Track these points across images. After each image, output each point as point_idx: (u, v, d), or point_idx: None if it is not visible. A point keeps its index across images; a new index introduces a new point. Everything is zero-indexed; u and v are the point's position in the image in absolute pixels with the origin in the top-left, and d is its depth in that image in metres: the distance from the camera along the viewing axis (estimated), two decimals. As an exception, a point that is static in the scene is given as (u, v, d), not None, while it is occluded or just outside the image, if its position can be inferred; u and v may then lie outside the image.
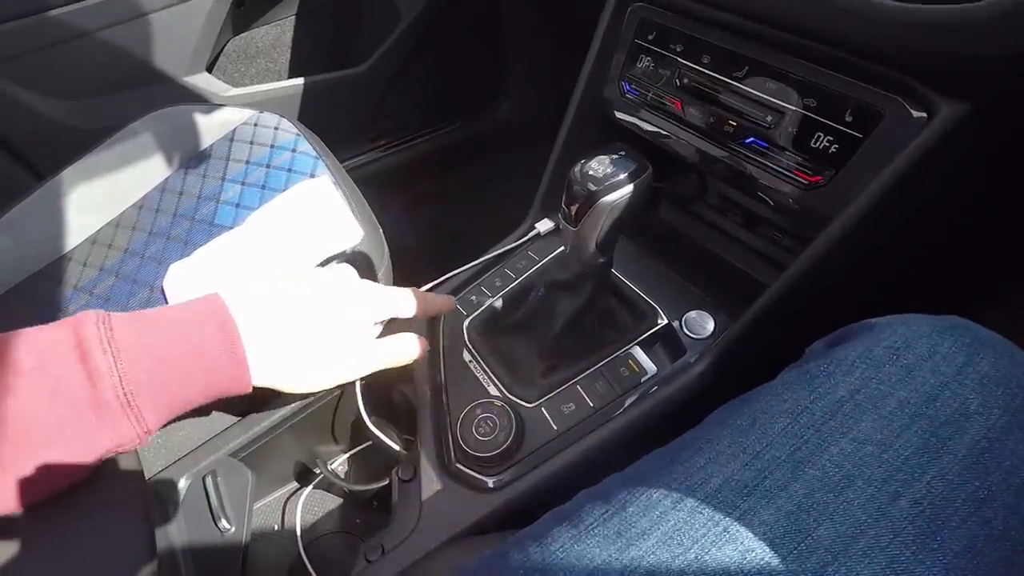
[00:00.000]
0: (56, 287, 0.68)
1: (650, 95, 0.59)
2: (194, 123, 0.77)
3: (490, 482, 0.50)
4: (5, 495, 0.33)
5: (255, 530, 0.58)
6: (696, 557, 0.27)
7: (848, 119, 0.45)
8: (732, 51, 0.52)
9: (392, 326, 0.49)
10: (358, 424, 0.56)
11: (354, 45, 1.09)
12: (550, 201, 0.69)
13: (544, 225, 0.67)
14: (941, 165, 0.43)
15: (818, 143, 0.47)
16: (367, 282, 0.47)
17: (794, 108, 0.48)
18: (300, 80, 1.02)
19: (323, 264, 0.62)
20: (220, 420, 0.55)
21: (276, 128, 0.75)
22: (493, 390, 0.55)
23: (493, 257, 0.67)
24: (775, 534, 0.27)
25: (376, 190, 0.79)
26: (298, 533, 0.54)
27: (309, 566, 0.51)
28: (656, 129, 0.60)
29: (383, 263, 0.67)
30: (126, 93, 0.92)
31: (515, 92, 1.24)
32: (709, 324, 0.55)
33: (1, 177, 0.90)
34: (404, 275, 0.71)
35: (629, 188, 0.46)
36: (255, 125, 0.76)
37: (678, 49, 0.56)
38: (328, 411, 0.63)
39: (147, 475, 0.51)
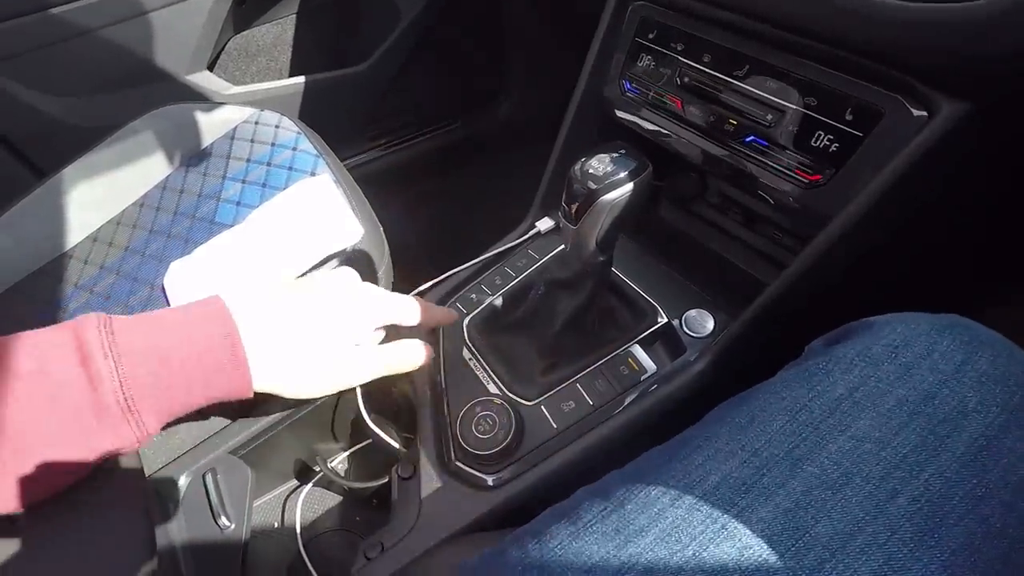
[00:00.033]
0: (57, 285, 0.68)
1: (651, 94, 0.59)
2: (195, 121, 0.77)
3: (489, 480, 0.50)
4: (5, 495, 0.33)
5: (255, 527, 0.58)
6: (694, 554, 0.27)
7: (848, 118, 0.45)
8: (733, 50, 0.52)
9: (394, 332, 0.49)
10: (358, 422, 0.56)
11: (355, 44, 1.09)
12: (550, 200, 0.69)
13: (544, 224, 0.67)
14: (941, 164, 0.43)
15: (818, 142, 0.47)
16: (369, 286, 0.47)
17: (794, 107, 0.48)
18: (301, 79, 1.02)
19: (323, 262, 0.62)
20: (220, 418, 0.55)
21: (277, 126, 0.76)
22: (493, 388, 0.55)
23: (493, 255, 0.67)
24: (773, 531, 0.27)
25: (377, 189, 0.79)
26: (298, 531, 0.54)
27: (309, 563, 0.51)
28: (657, 128, 0.60)
29: (383, 261, 0.67)
30: (127, 91, 0.92)
31: (515, 91, 1.24)
32: (709, 323, 0.55)
33: (2, 175, 0.90)
34: (404, 273, 0.71)
35: (629, 186, 0.46)
36: (256, 123, 0.76)
37: (679, 48, 0.56)
38: (328, 409, 0.64)
39: (147, 472, 0.51)
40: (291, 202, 0.67)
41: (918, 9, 0.38)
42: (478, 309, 0.62)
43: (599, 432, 0.50)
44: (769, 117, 0.50)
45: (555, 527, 0.32)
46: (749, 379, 0.37)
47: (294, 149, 0.73)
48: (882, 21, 0.41)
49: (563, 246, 0.64)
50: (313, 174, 0.70)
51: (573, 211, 0.47)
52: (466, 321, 0.61)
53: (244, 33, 1.02)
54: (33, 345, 0.33)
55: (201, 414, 0.39)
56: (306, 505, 0.58)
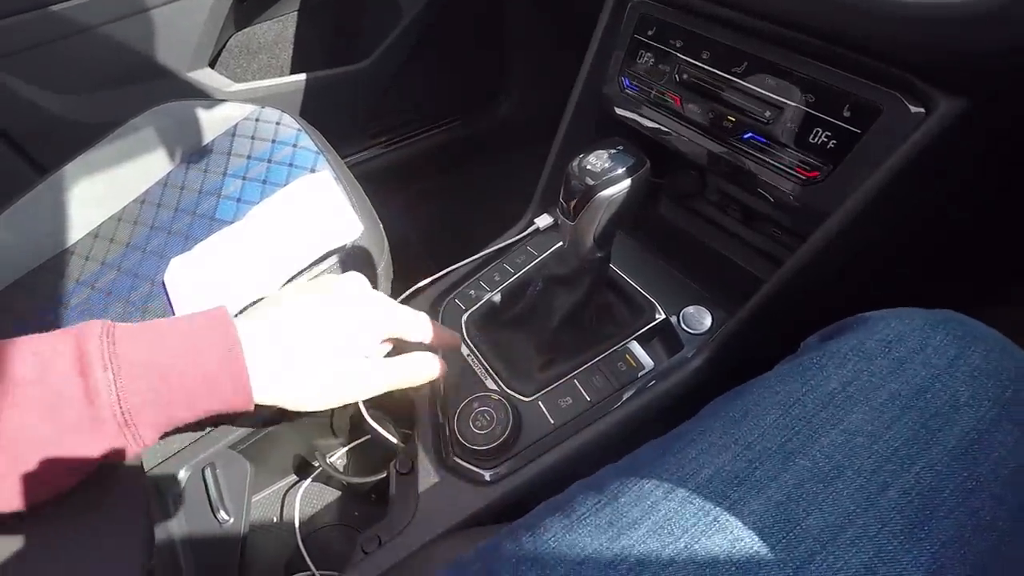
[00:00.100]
0: (58, 281, 0.68)
1: (650, 91, 0.59)
2: (196, 118, 0.78)
3: (487, 475, 0.50)
4: (4, 497, 0.33)
5: (254, 522, 0.59)
6: (686, 546, 0.27)
7: (846, 114, 0.45)
8: (731, 47, 0.52)
9: (399, 346, 0.47)
10: (356, 418, 0.56)
11: (356, 42, 1.09)
12: (549, 197, 0.70)
13: (543, 220, 0.67)
14: (938, 161, 0.43)
15: (816, 138, 0.47)
16: (379, 295, 0.45)
17: (793, 104, 0.48)
18: (302, 76, 1.02)
19: (323, 258, 0.63)
20: (220, 416, 0.55)
21: (277, 123, 0.76)
22: (491, 384, 0.55)
23: (492, 252, 0.67)
24: (764, 523, 0.27)
25: (377, 186, 0.80)
26: (296, 525, 0.54)
27: (307, 558, 0.51)
28: (656, 125, 0.60)
29: (383, 258, 0.67)
30: (128, 88, 0.93)
31: (516, 90, 1.24)
32: (707, 319, 0.55)
33: (4, 172, 0.90)
34: (404, 270, 0.71)
35: (627, 183, 0.46)
36: (256, 120, 0.77)
37: (678, 45, 0.56)
38: (327, 405, 0.64)
39: (147, 466, 0.51)
40: (291, 199, 0.68)
41: (916, 5, 0.38)
42: (476, 305, 0.62)
43: (596, 428, 0.50)
44: (767, 114, 0.50)
45: (549, 520, 0.32)
46: (746, 375, 0.37)
47: (294, 146, 0.73)
48: (881, 17, 0.41)
49: (561, 243, 0.64)
50: (313, 171, 0.70)
51: (571, 207, 0.47)
52: (464, 317, 0.61)
53: (245, 30, 1.02)
54: (34, 352, 0.33)
55: (201, 424, 0.38)
56: (305, 500, 0.58)
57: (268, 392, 0.38)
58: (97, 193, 0.74)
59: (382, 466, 0.55)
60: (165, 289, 0.63)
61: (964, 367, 0.30)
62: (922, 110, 0.42)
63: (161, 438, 0.37)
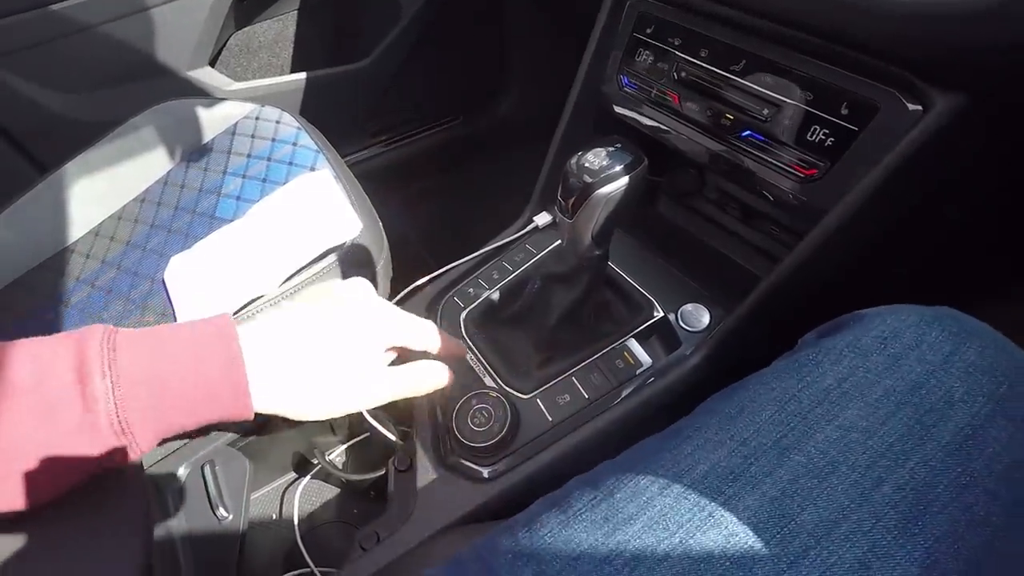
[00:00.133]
0: (58, 279, 0.68)
1: (648, 89, 0.59)
2: (196, 117, 0.78)
3: (485, 472, 0.50)
4: (3, 501, 0.33)
5: (253, 519, 0.59)
6: (681, 541, 0.28)
7: (844, 112, 0.45)
8: (730, 45, 0.52)
9: (404, 354, 0.46)
10: (355, 416, 0.56)
11: (356, 40, 1.10)
12: (548, 195, 0.70)
13: (542, 218, 0.67)
14: (935, 158, 0.43)
15: (814, 136, 0.47)
16: (384, 303, 0.44)
17: (791, 101, 0.48)
18: (302, 75, 1.03)
19: (322, 256, 0.63)
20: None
21: (277, 122, 0.76)
22: (489, 381, 0.56)
23: (491, 250, 0.67)
24: (759, 519, 0.27)
25: (377, 185, 0.80)
26: (295, 522, 0.54)
27: (306, 554, 0.51)
28: (655, 124, 0.60)
29: (382, 256, 0.67)
30: (129, 87, 0.93)
31: (517, 89, 1.24)
32: (705, 317, 0.55)
33: (5, 170, 0.90)
34: (403, 268, 0.71)
35: (624, 180, 0.46)
36: (256, 119, 0.77)
37: (676, 43, 0.56)
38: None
39: (146, 463, 0.51)
40: (291, 197, 0.68)
41: (915, 3, 0.38)
42: (475, 303, 0.62)
43: (594, 425, 0.50)
44: (765, 112, 0.50)
45: (546, 516, 0.32)
46: (744, 373, 0.37)
47: (294, 144, 0.73)
48: (880, 14, 0.41)
49: (560, 241, 0.64)
50: (313, 169, 0.71)
51: (569, 205, 0.47)
52: (463, 315, 0.61)
53: (245, 29, 1.02)
54: (34, 357, 0.33)
55: (200, 430, 0.38)
56: (304, 497, 0.58)
57: (269, 401, 0.37)
58: (97, 191, 0.74)
59: (381, 463, 0.55)
60: (165, 287, 0.63)
61: (959, 363, 0.30)
62: (919, 108, 0.42)
63: (159, 444, 0.37)
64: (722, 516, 0.28)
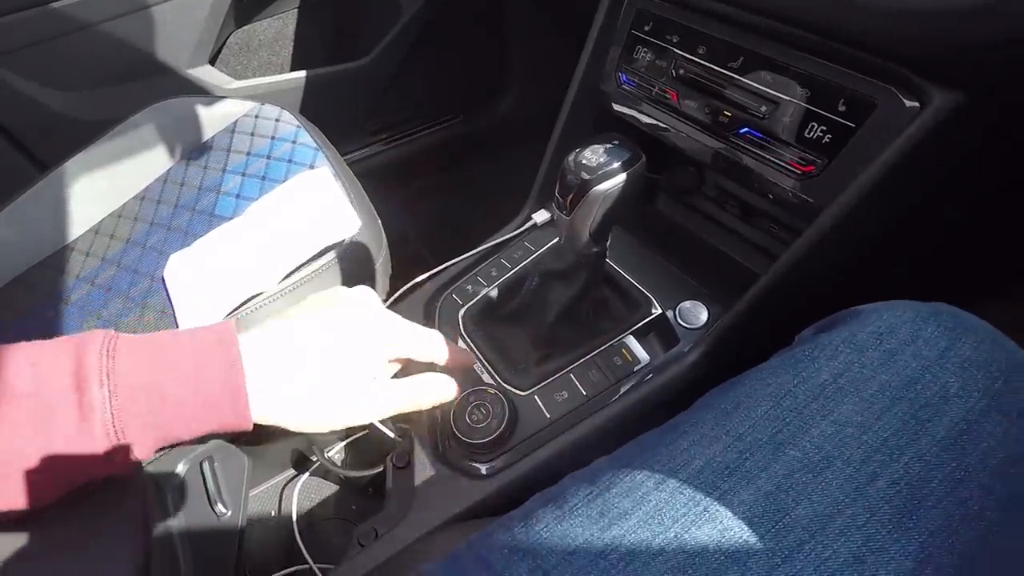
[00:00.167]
0: (59, 277, 0.68)
1: (646, 86, 0.59)
2: (196, 115, 0.78)
3: (483, 469, 0.50)
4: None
5: (252, 516, 0.59)
6: (676, 536, 0.28)
7: (841, 109, 0.45)
8: (728, 42, 0.52)
9: (409, 366, 0.45)
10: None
11: (356, 39, 1.10)
12: (547, 192, 0.70)
13: (541, 216, 0.67)
14: (932, 155, 0.43)
15: (812, 133, 0.47)
16: (390, 314, 0.43)
17: (788, 98, 0.48)
18: (302, 73, 1.03)
19: (321, 254, 0.63)
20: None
21: (277, 120, 0.76)
22: (487, 378, 0.56)
23: (490, 247, 0.67)
24: (754, 513, 0.27)
25: (377, 183, 0.80)
26: (294, 518, 0.54)
27: (304, 551, 0.51)
28: (654, 121, 0.60)
29: (381, 253, 0.67)
30: (129, 85, 0.93)
31: (517, 87, 1.25)
32: (703, 314, 0.55)
33: (5, 168, 0.91)
34: (402, 266, 0.71)
35: (622, 177, 0.46)
36: (256, 117, 0.77)
37: (674, 40, 0.56)
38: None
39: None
40: (290, 195, 0.68)
41: (913, -1, 0.38)
42: (473, 300, 0.62)
43: (592, 422, 0.50)
44: (763, 108, 0.50)
45: (542, 511, 0.32)
46: (741, 370, 0.37)
47: (293, 142, 0.74)
48: (877, 11, 0.41)
49: (558, 238, 0.64)
50: (312, 167, 0.71)
51: (566, 202, 0.47)
52: (461, 312, 0.61)
53: (245, 28, 1.02)
54: (33, 362, 0.33)
55: (197, 440, 0.38)
56: (302, 494, 0.58)
57: (268, 412, 0.37)
58: (97, 190, 0.74)
59: (379, 460, 0.55)
60: (164, 285, 0.64)
61: (954, 358, 0.30)
62: (916, 104, 0.42)
63: (156, 452, 0.36)
64: (717, 511, 0.28)
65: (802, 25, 0.46)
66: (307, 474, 0.59)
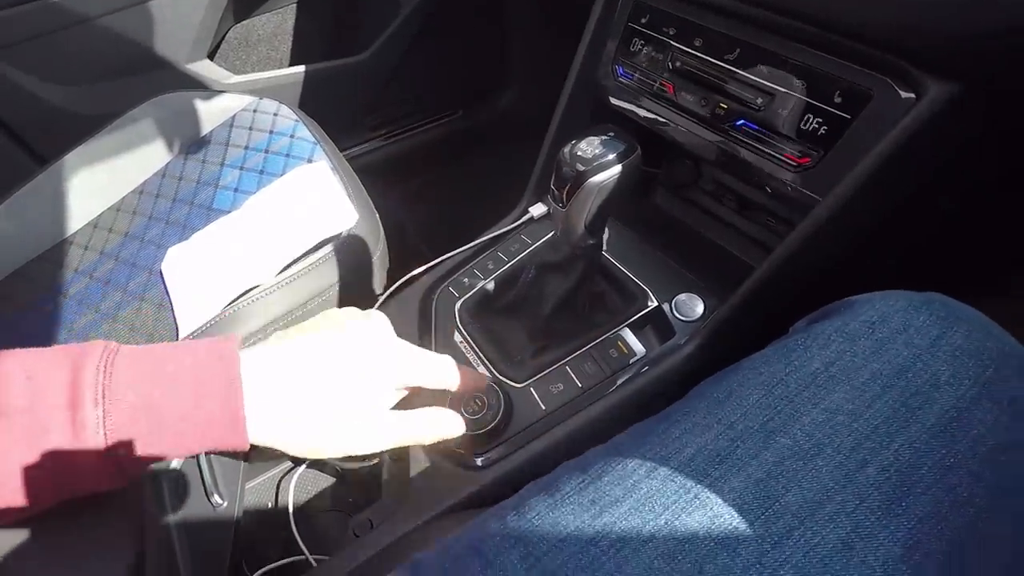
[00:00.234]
0: (57, 271, 0.69)
1: (643, 78, 0.59)
2: (194, 109, 0.78)
3: (478, 460, 0.50)
4: None
5: (249, 508, 0.59)
6: (666, 522, 0.28)
7: (837, 100, 0.45)
8: (724, 34, 0.52)
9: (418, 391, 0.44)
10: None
11: (355, 34, 1.10)
12: (544, 185, 0.69)
13: (537, 209, 0.67)
14: (928, 147, 0.43)
15: (808, 125, 0.47)
16: (399, 343, 0.42)
17: (784, 90, 0.48)
18: (301, 68, 1.03)
19: (318, 247, 0.63)
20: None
21: (275, 114, 0.76)
22: (483, 370, 0.56)
23: (487, 240, 0.67)
24: (744, 500, 0.27)
25: (377, 178, 0.80)
26: (290, 510, 0.54)
27: (300, 542, 0.52)
28: (651, 115, 0.60)
29: (378, 247, 0.67)
30: (127, 80, 0.93)
31: (517, 83, 1.24)
32: (699, 307, 0.55)
33: (4, 162, 0.91)
34: (401, 259, 0.71)
35: (617, 168, 0.46)
36: (254, 111, 0.77)
37: (671, 32, 0.56)
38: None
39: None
40: (288, 188, 0.68)
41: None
42: (470, 292, 0.62)
43: (587, 414, 0.50)
44: (759, 100, 0.50)
45: (534, 500, 0.32)
46: (736, 362, 0.37)
47: (292, 136, 0.74)
48: (875, 2, 0.41)
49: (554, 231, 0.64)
50: (310, 161, 0.71)
51: (562, 194, 0.47)
52: (458, 304, 0.61)
53: (244, 22, 1.02)
54: (29, 376, 0.32)
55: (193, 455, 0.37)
56: (299, 486, 0.58)
57: (267, 435, 0.36)
58: (96, 183, 0.74)
59: (375, 453, 0.55)
60: (162, 278, 0.64)
61: (946, 347, 0.30)
62: (912, 95, 0.42)
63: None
64: (707, 498, 0.28)
65: (800, 17, 0.46)
66: (303, 466, 0.59)
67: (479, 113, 1.24)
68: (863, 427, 0.28)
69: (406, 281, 0.66)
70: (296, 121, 0.75)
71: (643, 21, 0.59)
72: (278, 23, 1.04)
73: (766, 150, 0.50)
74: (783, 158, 0.49)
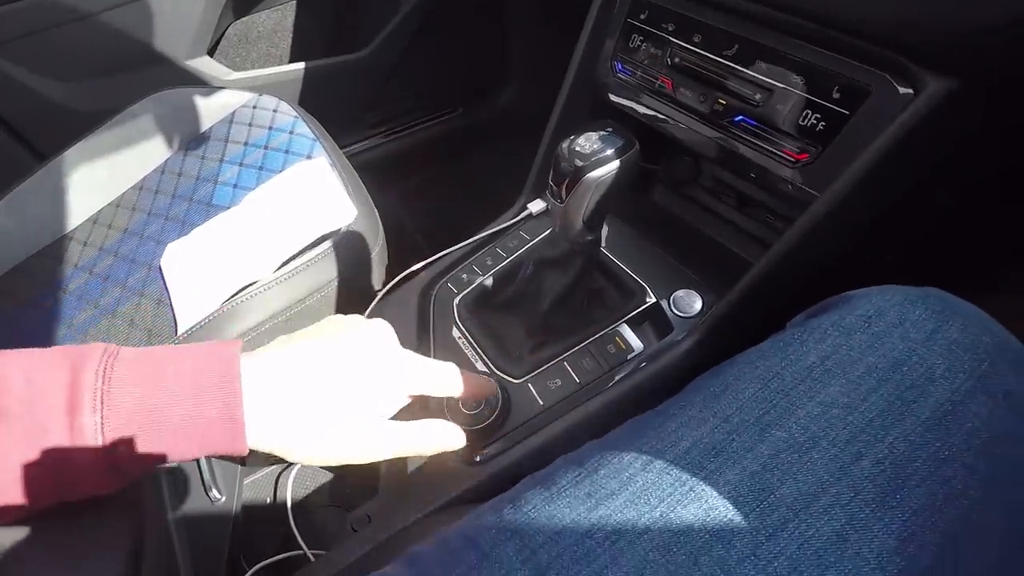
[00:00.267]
0: (57, 266, 0.69)
1: (642, 75, 0.59)
2: (194, 105, 0.78)
3: (476, 456, 0.50)
4: None
5: (247, 503, 0.59)
6: (661, 515, 0.28)
7: (836, 96, 0.45)
8: (723, 30, 0.52)
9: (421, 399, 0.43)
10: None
11: (355, 30, 1.10)
12: (542, 182, 0.69)
13: (536, 205, 0.67)
14: (926, 142, 0.43)
15: (806, 120, 0.47)
16: (404, 352, 0.42)
17: (783, 86, 0.48)
18: (301, 65, 1.03)
19: (317, 242, 0.63)
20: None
21: (275, 111, 0.76)
22: (481, 366, 0.56)
23: (485, 237, 0.67)
24: (739, 493, 0.28)
25: (376, 175, 0.80)
26: (288, 506, 0.54)
27: (299, 537, 0.52)
28: (650, 111, 0.60)
29: (377, 243, 0.68)
30: (127, 76, 0.93)
31: (517, 80, 1.24)
32: (697, 303, 0.55)
33: (4, 158, 0.91)
34: (400, 255, 0.71)
35: (615, 164, 0.46)
36: (254, 108, 0.77)
37: (670, 28, 0.56)
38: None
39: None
40: (287, 184, 0.68)
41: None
42: (468, 288, 0.62)
43: (585, 410, 0.50)
44: (758, 96, 0.50)
45: (531, 493, 0.32)
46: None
47: (291, 133, 0.74)
48: (875, -1, 0.41)
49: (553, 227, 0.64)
50: (309, 157, 0.71)
51: (560, 189, 0.47)
52: (456, 300, 0.61)
53: (244, 19, 1.02)
54: (28, 379, 0.32)
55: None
56: (297, 481, 0.58)
57: (266, 442, 0.35)
58: (96, 179, 0.74)
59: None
60: (161, 274, 0.64)
61: (941, 340, 0.30)
62: (910, 91, 0.42)
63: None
64: (703, 490, 0.28)
65: (799, 13, 0.46)
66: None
67: (479, 110, 1.24)
68: (858, 420, 0.28)
69: (405, 277, 0.66)
70: (295, 117, 0.76)
71: (642, 17, 0.59)
72: (278, 20, 1.04)
73: (765, 146, 0.50)
74: (782, 154, 0.49)
